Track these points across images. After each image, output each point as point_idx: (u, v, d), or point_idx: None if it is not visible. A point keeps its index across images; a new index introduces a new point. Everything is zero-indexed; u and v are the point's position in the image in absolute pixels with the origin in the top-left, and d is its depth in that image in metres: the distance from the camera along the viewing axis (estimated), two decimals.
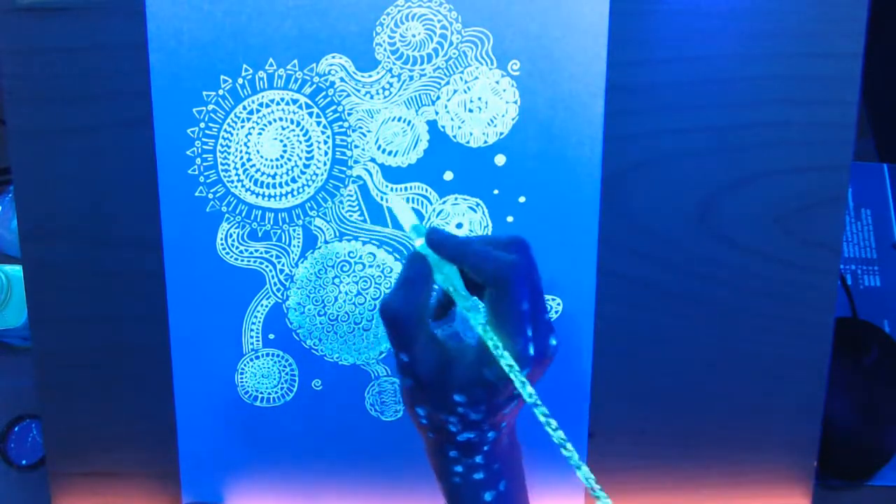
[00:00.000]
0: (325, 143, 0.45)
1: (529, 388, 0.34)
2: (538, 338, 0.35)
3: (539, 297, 0.36)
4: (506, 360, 0.34)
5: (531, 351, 0.34)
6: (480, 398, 0.35)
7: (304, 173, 0.46)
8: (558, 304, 0.47)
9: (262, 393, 0.48)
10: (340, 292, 0.47)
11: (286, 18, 0.44)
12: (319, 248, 0.46)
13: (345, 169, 0.46)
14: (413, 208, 0.44)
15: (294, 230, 0.46)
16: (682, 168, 0.46)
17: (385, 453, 0.49)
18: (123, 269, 0.47)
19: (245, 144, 0.45)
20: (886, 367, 0.58)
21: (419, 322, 0.36)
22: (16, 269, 0.59)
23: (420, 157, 0.45)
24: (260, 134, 0.45)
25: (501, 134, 0.45)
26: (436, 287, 0.37)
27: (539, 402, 0.34)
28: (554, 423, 0.34)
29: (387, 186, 0.46)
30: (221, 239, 0.46)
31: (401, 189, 0.46)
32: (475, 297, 0.36)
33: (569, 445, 0.34)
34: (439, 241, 0.36)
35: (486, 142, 0.45)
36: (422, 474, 0.49)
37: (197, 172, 0.46)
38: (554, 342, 0.36)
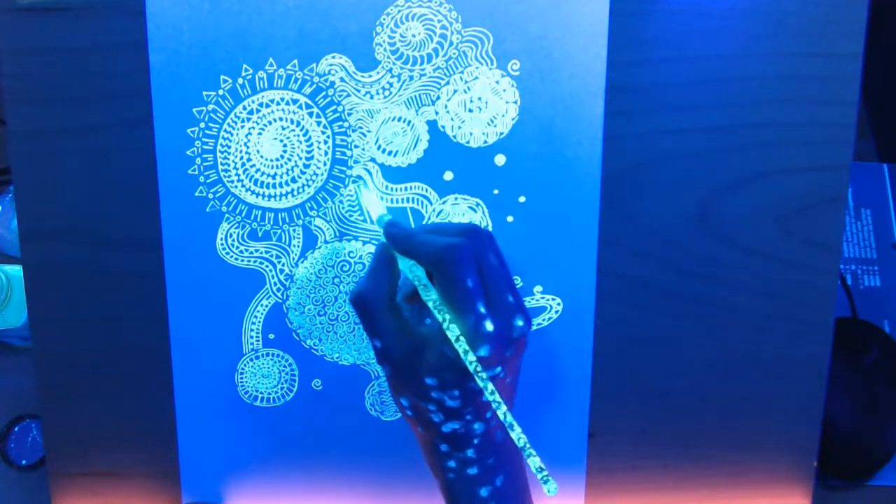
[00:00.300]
0: (325, 143, 0.45)
1: (471, 357, 0.34)
2: (498, 316, 0.35)
3: (495, 277, 0.36)
4: (452, 333, 0.34)
5: (488, 327, 0.35)
6: (450, 381, 0.35)
7: (304, 173, 0.46)
8: (558, 304, 0.47)
9: (262, 393, 0.48)
10: (340, 292, 0.47)
11: (286, 18, 0.44)
12: (319, 248, 0.46)
13: (345, 169, 0.46)
14: (381, 198, 0.45)
15: (294, 230, 0.46)
16: (682, 168, 0.46)
17: (385, 453, 0.49)
18: (123, 269, 0.47)
19: (245, 144, 0.45)
20: (886, 367, 0.58)
21: (385, 307, 0.37)
22: (16, 269, 0.59)
23: (420, 157, 0.45)
24: (260, 134, 0.45)
25: (501, 134, 0.45)
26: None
27: (485, 378, 0.34)
28: (499, 398, 0.34)
29: (387, 192, 0.46)
30: (221, 239, 0.46)
31: (401, 189, 0.46)
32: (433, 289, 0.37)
33: (517, 428, 0.34)
34: (392, 235, 0.39)
35: (486, 142, 0.45)
36: (422, 474, 0.49)
37: (197, 172, 0.46)
38: (520, 322, 0.36)
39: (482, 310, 0.35)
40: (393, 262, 0.39)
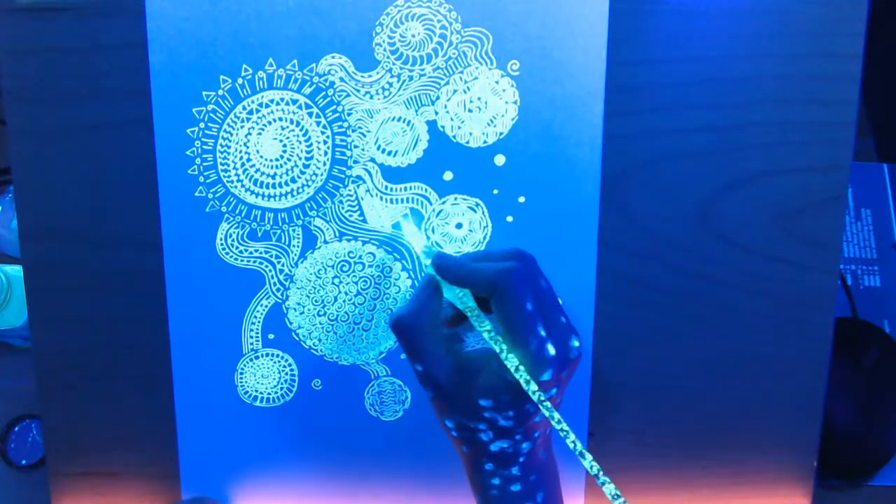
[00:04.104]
0: (325, 143, 0.45)
1: (533, 387, 0.34)
2: (556, 338, 0.36)
3: (547, 299, 0.36)
4: (511, 363, 0.34)
5: (550, 351, 0.35)
6: (507, 402, 0.35)
7: (303, 173, 0.46)
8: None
9: (261, 393, 0.48)
10: (340, 292, 0.47)
11: (286, 18, 0.44)
12: (319, 248, 0.46)
13: (344, 169, 0.46)
14: (415, 216, 0.45)
15: (294, 230, 0.46)
16: (682, 168, 0.46)
17: (385, 453, 0.49)
18: (123, 269, 0.47)
19: (245, 144, 0.45)
20: (886, 367, 0.58)
21: (428, 331, 0.37)
22: (16, 269, 0.59)
23: (420, 157, 0.45)
24: (260, 134, 0.45)
25: (501, 134, 0.45)
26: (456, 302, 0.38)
27: (550, 408, 0.34)
28: (566, 427, 0.34)
29: (386, 192, 0.46)
30: (221, 239, 0.46)
31: (400, 189, 0.46)
32: (482, 312, 0.37)
33: (588, 456, 0.34)
34: (444, 266, 0.38)
35: (485, 142, 0.45)
36: (421, 474, 0.49)
37: (197, 172, 0.46)
38: (576, 343, 0.36)
39: (542, 333, 0.35)
40: (438, 291, 0.39)
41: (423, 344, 0.37)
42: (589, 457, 0.34)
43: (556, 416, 0.34)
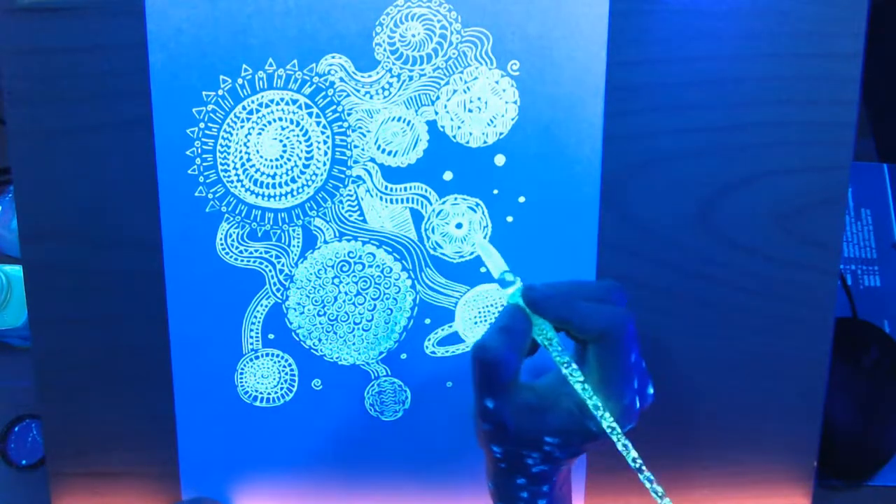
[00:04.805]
0: (325, 143, 0.45)
1: (633, 453, 0.33)
2: (641, 389, 0.35)
3: (639, 345, 0.35)
4: (608, 422, 0.33)
5: (638, 404, 0.34)
6: (576, 442, 0.35)
7: (303, 173, 0.46)
8: None
9: (261, 393, 0.48)
10: (340, 292, 0.47)
11: (286, 18, 0.44)
12: (319, 248, 0.46)
13: (344, 169, 0.46)
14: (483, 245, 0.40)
15: (294, 230, 0.46)
16: (682, 168, 0.46)
17: (385, 453, 0.49)
18: (123, 269, 0.47)
19: (245, 144, 0.45)
20: (886, 367, 0.58)
21: (513, 369, 0.34)
22: (16, 269, 0.59)
23: (420, 157, 0.45)
24: (259, 134, 0.45)
25: (501, 134, 0.45)
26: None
27: (635, 457, 0.33)
28: (650, 475, 0.34)
29: (386, 192, 0.46)
30: (221, 239, 0.46)
31: (400, 189, 0.46)
32: (567, 354, 0.35)
33: (660, 490, 0.33)
34: (537, 299, 0.35)
35: (485, 142, 0.45)
36: (422, 474, 0.49)
37: (196, 172, 0.46)
38: (651, 390, 0.36)
39: (636, 386, 0.34)
40: (528, 328, 0.35)
41: (503, 381, 0.34)
42: (660, 490, 0.33)
43: (639, 462, 0.33)
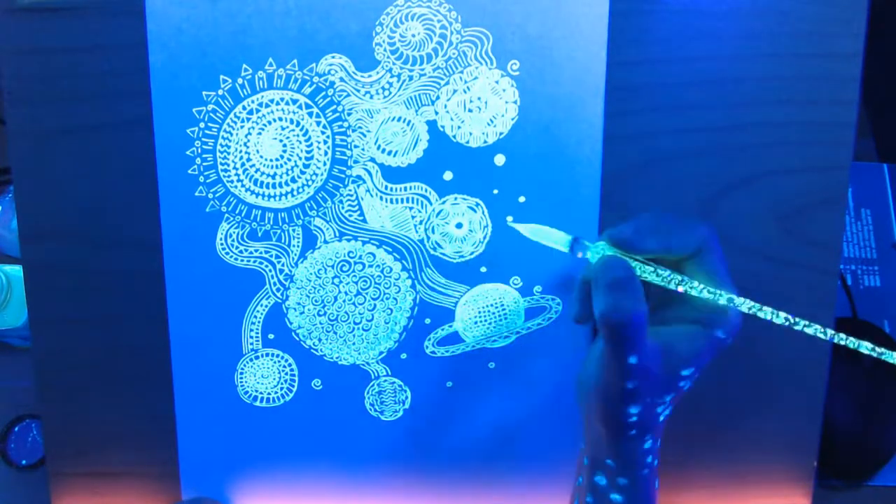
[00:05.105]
0: (325, 142, 0.45)
1: (783, 314, 0.35)
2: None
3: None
4: (744, 304, 0.35)
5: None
6: (705, 363, 0.36)
7: (303, 173, 0.46)
8: (558, 305, 0.47)
9: (261, 393, 0.48)
10: (340, 292, 0.47)
11: (286, 18, 0.44)
12: (319, 247, 0.46)
13: (344, 169, 0.46)
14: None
15: (294, 230, 0.46)
16: (682, 168, 0.46)
17: (385, 453, 0.49)
18: (123, 269, 0.47)
19: (245, 144, 0.45)
20: (886, 367, 0.58)
21: (647, 323, 0.34)
22: (16, 269, 0.59)
23: (420, 156, 0.45)
24: (259, 134, 0.45)
25: (501, 134, 0.45)
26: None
27: (786, 315, 0.35)
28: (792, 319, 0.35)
29: (386, 192, 0.46)
30: (221, 239, 0.46)
31: (400, 189, 0.46)
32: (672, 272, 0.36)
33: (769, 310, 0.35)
34: (629, 238, 0.35)
35: (485, 142, 0.45)
36: (422, 474, 0.49)
37: (197, 172, 0.46)
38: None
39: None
40: (633, 272, 0.35)
41: (641, 335, 0.34)
42: (768, 309, 0.35)
43: (773, 309, 0.35)
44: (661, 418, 0.37)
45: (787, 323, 0.35)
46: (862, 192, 0.69)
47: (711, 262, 0.35)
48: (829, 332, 0.34)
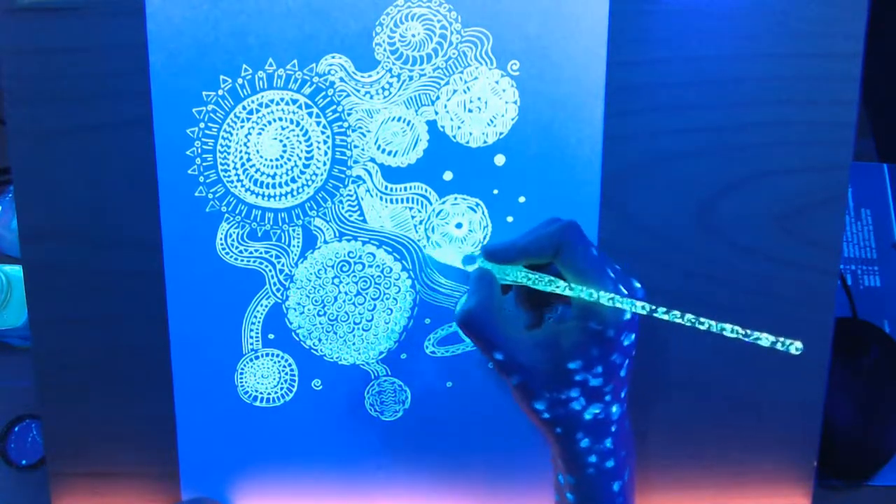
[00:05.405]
0: (325, 142, 0.45)
1: (639, 304, 0.36)
2: (622, 280, 0.38)
3: (599, 251, 0.38)
4: (606, 298, 0.36)
5: (623, 291, 0.37)
6: (595, 357, 0.37)
7: (303, 173, 0.46)
8: None
9: (261, 393, 0.48)
10: (340, 292, 0.47)
11: (286, 18, 0.44)
12: (319, 248, 0.46)
13: (344, 169, 0.46)
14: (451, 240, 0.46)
15: (294, 230, 0.46)
16: (682, 168, 0.46)
17: (385, 453, 0.49)
18: (123, 269, 0.47)
19: (245, 144, 0.45)
20: (886, 367, 0.58)
21: (498, 318, 0.37)
22: (16, 269, 0.59)
23: (420, 157, 0.45)
24: (259, 134, 0.45)
25: (501, 134, 0.45)
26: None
27: (654, 306, 0.36)
28: (692, 317, 0.36)
29: (386, 192, 0.46)
30: (221, 239, 0.46)
31: (400, 189, 0.46)
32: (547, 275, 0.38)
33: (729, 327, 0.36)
34: (497, 250, 0.39)
35: (485, 142, 0.45)
36: (422, 474, 0.49)
37: (196, 172, 0.46)
38: (638, 284, 0.39)
39: (612, 275, 0.37)
40: (492, 280, 0.39)
41: (496, 331, 0.37)
42: (730, 327, 0.35)
43: (652, 306, 0.36)
44: (588, 416, 0.38)
45: (644, 311, 0.36)
46: (862, 192, 0.69)
47: (571, 259, 0.37)
48: (688, 316, 0.36)
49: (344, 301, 0.47)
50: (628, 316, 0.36)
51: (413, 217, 0.46)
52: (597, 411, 0.38)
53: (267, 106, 0.45)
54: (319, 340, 0.47)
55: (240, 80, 0.45)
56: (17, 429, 0.60)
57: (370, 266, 0.46)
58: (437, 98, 0.45)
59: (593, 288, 0.36)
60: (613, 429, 0.38)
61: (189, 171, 0.45)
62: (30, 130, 0.46)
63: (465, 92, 0.45)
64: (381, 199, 0.46)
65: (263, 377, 0.48)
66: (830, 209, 0.47)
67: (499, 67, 0.45)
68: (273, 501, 0.49)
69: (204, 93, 0.45)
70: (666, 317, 0.36)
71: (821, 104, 0.46)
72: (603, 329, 0.36)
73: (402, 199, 0.46)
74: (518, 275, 0.39)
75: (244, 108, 0.45)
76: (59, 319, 0.47)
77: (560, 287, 0.37)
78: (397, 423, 0.48)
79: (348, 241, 0.46)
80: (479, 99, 0.45)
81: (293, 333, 0.47)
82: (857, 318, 0.63)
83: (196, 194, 0.46)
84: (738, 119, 0.46)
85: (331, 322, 0.47)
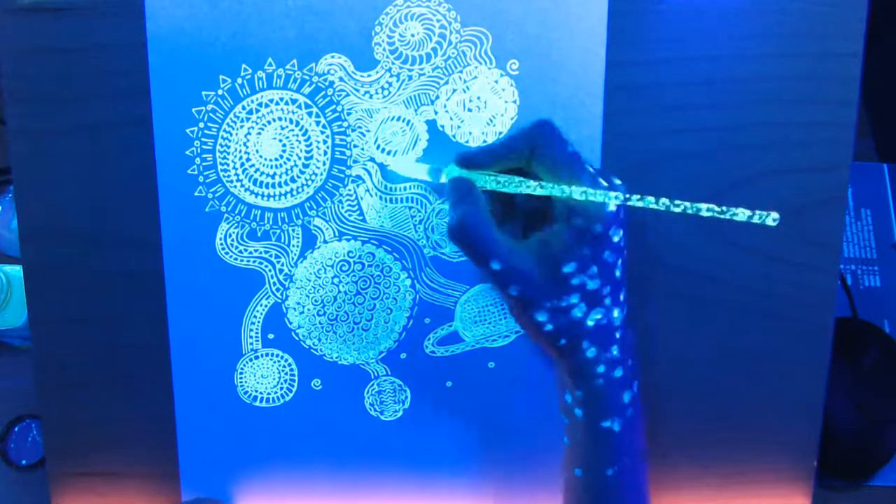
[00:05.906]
0: (325, 142, 0.45)
1: (613, 195, 0.35)
2: (603, 175, 0.37)
3: (575, 148, 0.37)
4: (577, 191, 0.35)
5: (603, 183, 0.36)
6: (588, 256, 0.36)
7: (303, 173, 0.46)
8: None
9: (261, 393, 0.48)
10: (340, 292, 0.47)
11: (285, 18, 0.44)
12: (318, 247, 0.46)
13: (344, 168, 0.46)
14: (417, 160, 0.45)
15: (293, 230, 0.46)
16: (682, 168, 0.46)
17: (385, 453, 0.49)
18: (123, 268, 0.47)
19: (244, 144, 0.45)
20: (886, 367, 0.58)
21: (490, 225, 0.36)
22: (16, 269, 0.59)
23: (419, 156, 0.45)
24: (259, 134, 0.45)
25: (500, 133, 0.45)
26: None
27: (640, 196, 0.35)
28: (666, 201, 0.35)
29: (386, 191, 0.46)
30: (221, 239, 0.46)
31: (400, 188, 0.46)
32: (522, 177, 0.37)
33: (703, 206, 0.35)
34: (472, 155, 0.38)
35: (485, 141, 0.45)
36: (422, 474, 0.49)
37: (196, 172, 0.46)
38: (618, 181, 0.38)
39: (591, 170, 0.36)
40: (474, 186, 0.38)
41: (492, 237, 0.36)
42: (705, 205, 0.35)
43: (633, 195, 0.35)
44: (591, 322, 0.37)
45: (619, 201, 0.35)
46: (862, 192, 0.69)
47: (546, 156, 0.36)
48: (662, 200, 0.35)
49: (343, 301, 0.47)
50: (612, 208, 0.36)
51: (413, 217, 0.46)
52: (598, 317, 0.37)
53: (266, 106, 0.45)
54: (319, 340, 0.47)
55: (239, 80, 0.45)
56: (17, 429, 0.60)
57: (370, 266, 0.46)
58: (437, 97, 0.45)
59: (573, 184, 0.35)
60: (618, 335, 0.38)
61: (189, 171, 0.45)
62: (30, 130, 0.46)
63: (464, 91, 0.45)
64: (380, 198, 0.46)
65: (263, 377, 0.48)
66: (830, 209, 0.47)
67: (498, 67, 0.45)
68: (273, 501, 0.49)
69: (203, 92, 0.45)
70: (640, 203, 0.35)
71: (821, 104, 0.46)
72: (589, 225, 0.36)
73: (401, 199, 0.46)
74: (486, 180, 0.37)
75: (244, 107, 0.45)
76: (59, 319, 0.47)
77: (530, 187, 0.36)
78: (397, 423, 0.48)
79: (348, 240, 0.46)
80: (478, 98, 0.45)
81: (293, 333, 0.47)
82: (857, 318, 0.63)
83: (196, 194, 0.46)
84: (738, 119, 0.46)
85: (330, 322, 0.47)
